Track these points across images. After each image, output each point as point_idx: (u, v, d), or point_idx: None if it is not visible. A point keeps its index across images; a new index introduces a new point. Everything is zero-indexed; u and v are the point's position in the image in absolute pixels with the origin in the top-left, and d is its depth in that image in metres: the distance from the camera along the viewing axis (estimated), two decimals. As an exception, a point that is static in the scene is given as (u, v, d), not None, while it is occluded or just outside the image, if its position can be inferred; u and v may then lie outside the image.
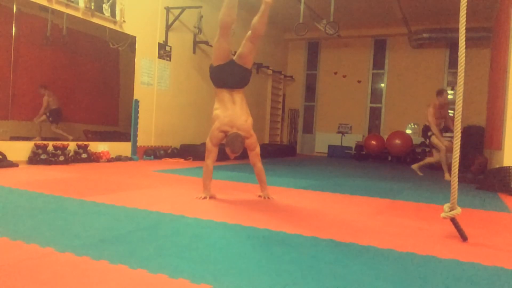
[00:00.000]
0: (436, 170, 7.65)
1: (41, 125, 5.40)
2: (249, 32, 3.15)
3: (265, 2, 3.02)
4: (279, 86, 11.42)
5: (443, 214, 2.29)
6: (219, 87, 3.19)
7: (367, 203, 3.40)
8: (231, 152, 3.00)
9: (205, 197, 3.13)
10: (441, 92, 6.33)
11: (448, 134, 9.06)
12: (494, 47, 7.84)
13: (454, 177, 2.25)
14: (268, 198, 3.26)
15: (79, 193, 3.06)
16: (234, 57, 3.21)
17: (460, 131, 2.24)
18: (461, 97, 2.22)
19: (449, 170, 6.22)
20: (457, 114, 2.23)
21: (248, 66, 3.23)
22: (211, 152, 3.13)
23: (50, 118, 5.45)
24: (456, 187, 2.26)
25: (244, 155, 3.28)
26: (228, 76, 3.14)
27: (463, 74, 2.20)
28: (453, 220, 2.27)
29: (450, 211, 2.27)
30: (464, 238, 2.22)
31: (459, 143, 2.24)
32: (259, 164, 3.23)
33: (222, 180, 4.35)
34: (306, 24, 6.93)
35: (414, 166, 6.60)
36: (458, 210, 2.25)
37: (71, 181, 3.75)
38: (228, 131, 3.04)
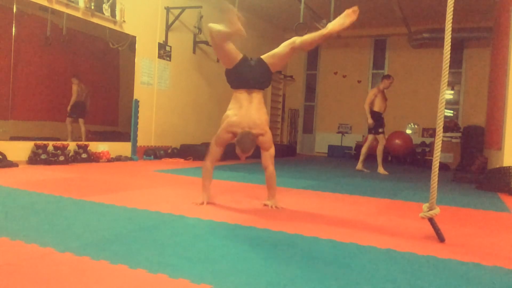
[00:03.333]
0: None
1: (72, 125, 5.65)
2: (297, 40, 2.87)
3: (329, 32, 2.78)
4: (279, 86, 11.42)
5: (421, 214, 2.23)
6: (238, 88, 2.93)
7: (367, 203, 3.40)
8: (242, 152, 2.73)
9: (202, 202, 2.88)
10: (388, 77, 6.68)
11: (448, 134, 9.08)
12: (494, 47, 7.84)
13: (434, 177, 2.17)
14: (276, 207, 2.91)
15: (79, 193, 3.05)
16: (263, 55, 2.95)
17: (442, 130, 2.17)
18: (444, 98, 2.17)
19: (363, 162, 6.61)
20: (439, 113, 2.17)
21: (273, 68, 2.96)
22: (212, 153, 2.91)
23: (70, 113, 5.65)
24: (436, 187, 2.19)
25: (254, 155, 2.94)
26: (247, 75, 2.88)
27: (447, 73, 2.17)
28: (431, 220, 2.22)
29: (428, 211, 2.21)
30: (441, 239, 2.17)
31: (441, 142, 2.17)
32: (271, 168, 2.91)
33: (223, 180, 4.35)
34: (306, 24, 6.93)
35: (380, 171, 6.58)
36: (437, 210, 2.20)
37: (71, 181, 3.75)
38: (238, 132, 2.79)
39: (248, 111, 2.85)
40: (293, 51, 2.93)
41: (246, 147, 2.71)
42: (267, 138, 2.88)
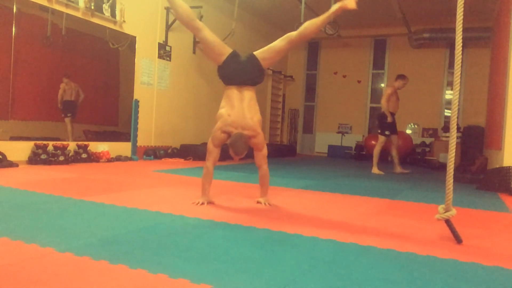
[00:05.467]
0: (436, 170, 7.65)
1: (71, 125, 5.60)
2: (294, 33, 2.85)
3: (338, 8, 2.81)
4: (279, 86, 11.42)
5: (437, 216, 2.23)
6: (229, 84, 2.93)
7: (367, 203, 3.40)
8: (235, 154, 2.77)
9: (202, 203, 2.89)
10: (403, 77, 6.55)
11: (448, 134, 9.07)
12: (494, 47, 7.84)
13: (449, 177, 2.18)
14: (268, 204, 2.99)
15: (79, 193, 3.06)
16: (256, 51, 2.94)
17: (456, 131, 2.20)
18: (457, 96, 2.19)
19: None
20: (453, 113, 2.19)
21: (266, 63, 2.93)
22: (212, 154, 2.89)
23: (65, 113, 5.60)
24: (451, 188, 2.20)
25: (248, 154, 3.00)
26: (237, 71, 2.88)
27: (459, 73, 2.17)
28: (447, 222, 2.22)
29: (444, 212, 2.21)
30: (458, 240, 2.16)
31: (455, 142, 2.18)
32: (264, 167, 2.96)
33: (222, 180, 4.35)
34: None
35: (398, 170, 6.57)
36: (453, 211, 2.19)
37: (71, 181, 3.75)
38: (232, 131, 2.81)
39: (240, 110, 2.85)
40: (291, 45, 2.91)
41: (239, 150, 2.75)
42: (259, 140, 2.89)
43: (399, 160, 6.70)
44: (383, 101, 6.48)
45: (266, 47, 2.95)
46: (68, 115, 5.64)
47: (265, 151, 2.96)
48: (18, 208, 2.50)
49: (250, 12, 9.43)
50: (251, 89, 2.95)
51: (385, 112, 6.48)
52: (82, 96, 5.78)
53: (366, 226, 2.50)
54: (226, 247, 1.84)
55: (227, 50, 2.92)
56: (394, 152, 6.66)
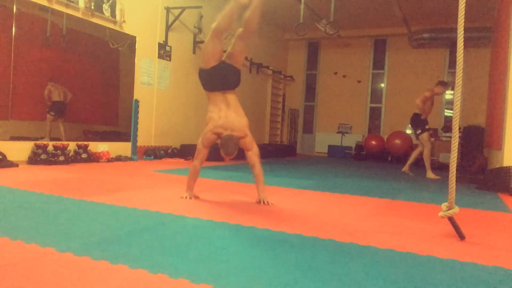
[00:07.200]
0: (437, 170, 7.65)
1: (50, 124, 5.47)
2: (240, 30, 3.05)
3: None
4: (279, 86, 11.42)
5: (441, 213, 2.29)
6: (211, 90, 3.10)
7: (367, 203, 3.40)
8: (226, 155, 2.92)
9: (189, 197, 3.08)
10: (445, 84, 6.43)
11: (449, 134, 9.08)
12: (494, 47, 7.84)
13: (452, 176, 2.22)
14: (268, 203, 3.05)
15: (79, 193, 3.06)
16: (224, 57, 3.14)
17: (458, 131, 2.24)
18: (459, 96, 2.21)
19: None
20: (455, 114, 2.21)
21: (238, 65, 3.13)
22: (200, 153, 3.08)
23: (49, 111, 5.46)
24: (454, 186, 2.24)
25: (239, 155, 3.13)
26: (220, 79, 3.05)
27: (461, 74, 2.19)
28: (450, 219, 2.27)
29: (447, 210, 2.26)
30: (461, 237, 2.22)
31: (457, 142, 2.23)
32: (258, 165, 3.07)
33: (222, 180, 4.35)
34: (306, 24, 6.93)
35: (405, 169, 6.55)
36: (456, 209, 2.25)
37: (71, 181, 3.75)
38: (222, 133, 2.97)
39: (228, 114, 3.04)
40: (245, 40, 3.10)
41: (230, 150, 2.91)
42: (248, 140, 3.06)
43: (412, 163, 6.61)
44: (418, 101, 6.33)
45: (228, 53, 3.13)
46: (52, 113, 5.44)
47: (255, 149, 3.09)
48: (18, 208, 2.50)
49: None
50: (233, 92, 3.13)
51: (418, 111, 6.33)
52: (70, 96, 5.69)
53: (366, 226, 2.50)
54: (226, 247, 1.84)
55: (220, 59, 3.10)
56: (414, 153, 6.55)
